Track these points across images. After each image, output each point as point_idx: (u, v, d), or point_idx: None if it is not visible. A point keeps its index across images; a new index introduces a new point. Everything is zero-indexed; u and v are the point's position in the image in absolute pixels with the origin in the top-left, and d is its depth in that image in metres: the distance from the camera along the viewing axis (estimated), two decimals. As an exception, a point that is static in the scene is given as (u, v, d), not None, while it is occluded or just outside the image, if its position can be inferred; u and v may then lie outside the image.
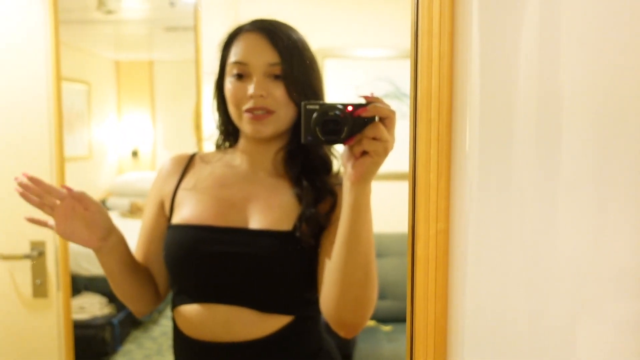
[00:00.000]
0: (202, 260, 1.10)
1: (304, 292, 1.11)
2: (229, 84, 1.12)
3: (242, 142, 1.19)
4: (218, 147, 1.25)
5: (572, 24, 0.47)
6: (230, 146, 1.23)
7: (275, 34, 1.09)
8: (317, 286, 1.08)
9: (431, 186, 0.48)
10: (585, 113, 0.46)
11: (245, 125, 1.10)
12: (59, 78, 1.93)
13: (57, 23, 1.90)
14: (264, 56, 1.09)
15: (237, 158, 1.20)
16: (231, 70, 1.11)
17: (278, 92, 1.08)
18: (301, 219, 1.08)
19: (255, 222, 1.10)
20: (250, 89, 1.07)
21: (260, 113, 1.08)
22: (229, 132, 1.21)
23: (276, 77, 1.09)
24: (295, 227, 1.07)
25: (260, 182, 1.16)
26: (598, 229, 0.47)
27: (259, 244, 1.08)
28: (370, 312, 0.99)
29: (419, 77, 0.48)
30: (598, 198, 0.46)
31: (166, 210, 1.20)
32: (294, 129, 1.13)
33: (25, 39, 1.89)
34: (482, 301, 0.45)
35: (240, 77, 1.10)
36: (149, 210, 1.23)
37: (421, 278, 0.49)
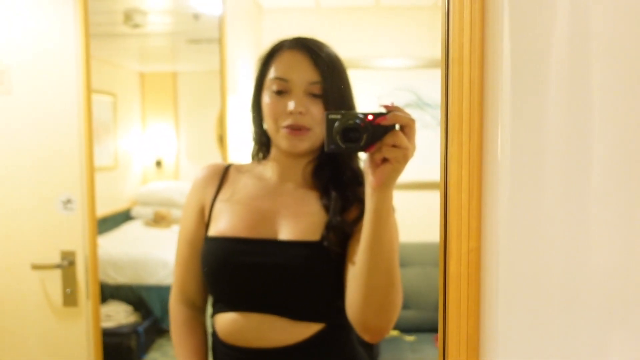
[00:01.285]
0: (235, 271, 1.14)
1: (334, 300, 1.14)
2: (268, 98, 1.15)
3: (274, 154, 1.22)
4: (253, 157, 1.29)
5: (603, 33, 0.48)
6: (264, 157, 1.26)
7: (316, 53, 1.14)
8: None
9: (462, 205, 0.49)
10: (616, 122, 0.47)
11: (281, 140, 1.14)
12: (89, 90, 1.98)
13: (88, 37, 1.96)
14: (305, 74, 1.13)
15: (268, 170, 1.23)
16: (271, 86, 1.15)
17: (316, 110, 1.12)
18: (328, 228, 1.11)
19: (285, 233, 1.14)
20: (290, 105, 1.11)
21: (298, 130, 1.11)
22: (263, 144, 1.25)
23: (314, 95, 1.13)
24: (323, 237, 1.10)
25: (290, 193, 1.19)
26: (630, 239, 0.47)
27: (288, 255, 1.12)
28: (395, 316, 1.01)
29: (449, 101, 0.49)
30: (629, 208, 0.47)
31: (205, 217, 1.24)
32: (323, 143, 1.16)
33: (57, 52, 1.95)
34: (515, 318, 0.46)
35: (279, 93, 1.13)
36: (190, 217, 1.26)
37: (454, 295, 0.50)
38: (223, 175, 1.26)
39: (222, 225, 1.18)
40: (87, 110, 1.97)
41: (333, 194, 1.15)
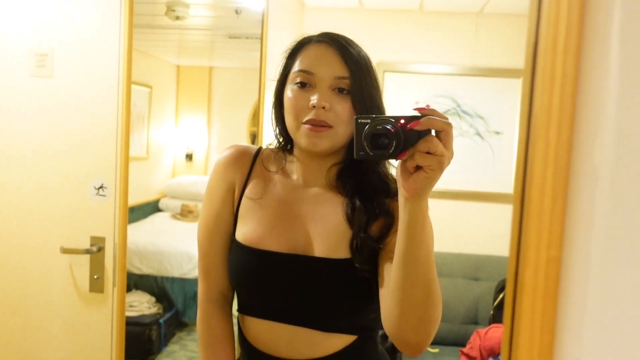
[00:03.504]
0: (264, 286, 1.11)
1: (367, 314, 1.11)
2: (290, 92, 1.09)
3: (297, 154, 1.17)
4: (276, 150, 1.23)
5: None
6: (290, 151, 1.20)
7: (345, 48, 1.08)
8: (377, 306, 1.05)
9: (544, 209, 0.44)
10: None
11: (301, 137, 1.07)
12: (129, 79, 1.97)
13: (132, 27, 1.96)
14: (332, 68, 1.06)
15: (293, 170, 1.18)
16: (295, 79, 1.09)
17: (340, 107, 1.05)
18: (355, 245, 1.06)
19: (316, 248, 1.10)
20: (313, 99, 1.05)
21: (319, 126, 1.05)
22: (286, 141, 1.19)
23: (340, 91, 1.06)
24: (353, 256, 1.06)
25: (316, 198, 1.14)
26: None
27: (319, 273, 1.08)
28: (434, 330, 0.96)
29: (536, 94, 0.45)
30: None
31: (234, 206, 1.19)
32: (350, 145, 1.10)
33: (101, 39, 1.95)
34: (603, 341, 0.41)
35: (303, 85, 1.07)
36: (215, 200, 1.19)
37: (527, 309, 0.45)
38: (252, 162, 1.20)
39: (250, 230, 1.14)
40: (126, 99, 1.97)
41: (357, 203, 1.09)
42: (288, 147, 1.20)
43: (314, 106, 1.04)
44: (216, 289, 1.22)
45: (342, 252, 1.07)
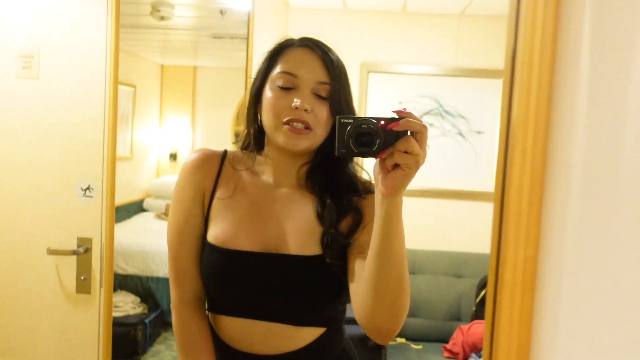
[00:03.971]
0: (237, 285, 1.13)
1: (335, 306, 1.17)
2: (271, 92, 1.11)
3: (268, 152, 1.19)
4: (244, 149, 1.23)
5: None
6: (256, 151, 1.21)
7: (327, 55, 1.12)
8: (345, 297, 1.12)
9: (522, 209, 0.48)
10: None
11: (281, 136, 1.10)
12: (116, 80, 1.98)
13: (119, 27, 1.96)
14: (315, 73, 1.10)
15: (263, 169, 1.20)
16: (276, 80, 1.11)
17: (320, 111, 1.10)
18: (326, 243, 1.10)
19: (287, 246, 1.13)
20: (296, 101, 1.08)
21: (299, 126, 1.08)
22: (256, 138, 1.20)
23: (320, 97, 1.10)
24: (324, 252, 1.10)
25: (287, 198, 1.17)
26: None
27: (292, 270, 1.11)
28: (404, 317, 1.01)
29: (514, 100, 0.48)
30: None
31: (204, 208, 1.19)
32: (321, 145, 1.14)
33: (87, 40, 1.95)
34: (576, 334, 0.44)
35: (285, 88, 1.10)
36: (185, 204, 1.19)
37: (506, 304, 0.48)
38: (220, 165, 1.21)
39: (221, 231, 1.15)
40: (113, 99, 1.97)
41: (328, 201, 1.13)
42: (255, 146, 1.21)
43: (296, 108, 1.07)
44: (190, 293, 1.21)
45: (313, 248, 1.11)
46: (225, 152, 1.25)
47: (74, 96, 1.97)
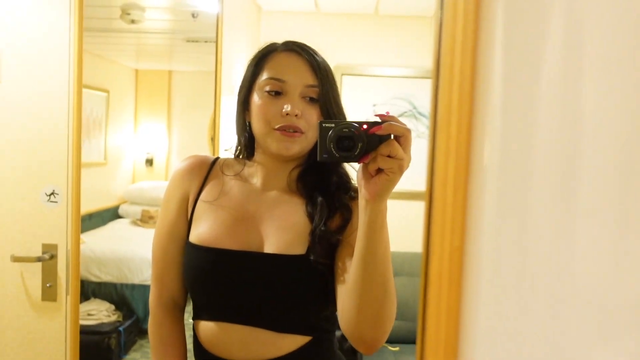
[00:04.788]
0: (218, 284, 1.11)
1: (319, 312, 1.12)
2: (260, 99, 1.11)
3: (259, 157, 1.18)
4: (235, 157, 1.24)
5: (597, 47, 0.46)
6: (247, 158, 1.22)
7: (313, 57, 1.11)
8: (333, 304, 1.07)
9: (447, 202, 0.47)
10: (608, 135, 0.45)
11: (273, 142, 1.09)
12: (80, 83, 1.95)
13: (81, 29, 1.93)
14: (302, 77, 1.10)
15: (253, 173, 1.20)
16: (264, 86, 1.11)
17: (310, 115, 1.09)
18: (313, 239, 1.08)
19: (270, 245, 1.11)
20: (287, 107, 1.07)
21: (292, 132, 1.08)
22: (246, 146, 1.21)
23: (310, 99, 1.10)
24: (309, 250, 1.08)
25: (275, 200, 1.16)
26: (619, 254, 0.46)
27: (273, 269, 1.09)
28: (390, 327, 0.99)
29: (439, 93, 0.48)
30: (620, 222, 0.45)
31: (188, 213, 1.20)
32: (312, 149, 1.14)
33: (50, 42, 1.92)
34: (495, 322, 0.44)
35: (273, 93, 1.10)
36: (172, 209, 1.21)
37: (434, 295, 0.48)
38: (209, 170, 1.22)
39: (204, 231, 1.14)
40: (77, 103, 1.94)
41: (318, 200, 1.11)
42: (245, 154, 1.21)
43: (287, 114, 1.07)
44: (167, 294, 1.23)
45: (297, 248, 1.09)
46: (217, 159, 1.25)
47: (37, 100, 1.94)
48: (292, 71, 1.10)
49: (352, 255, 1.00)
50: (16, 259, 1.94)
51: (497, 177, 0.43)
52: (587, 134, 0.46)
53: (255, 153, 1.19)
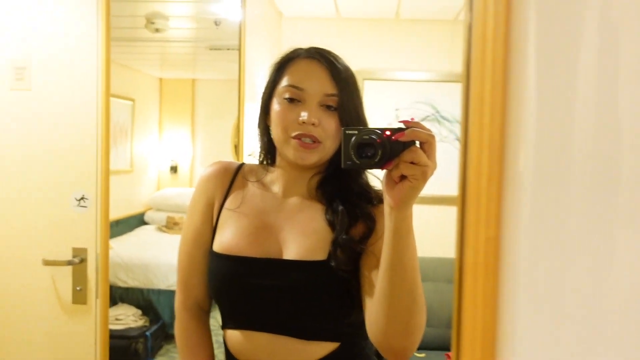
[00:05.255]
0: (241, 293, 1.11)
1: (344, 318, 1.10)
2: (279, 106, 1.11)
3: (280, 163, 1.19)
4: (260, 163, 1.25)
5: (634, 48, 0.46)
6: (271, 163, 1.23)
7: (333, 65, 1.10)
8: (360, 311, 1.06)
9: (481, 212, 0.47)
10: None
11: (290, 150, 1.09)
12: (107, 92, 1.99)
13: (109, 39, 1.98)
14: (321, 85, 1.09)
15: (274, 180, 1.20)
16: (283, 93, 1.10)
17: (328, 123, 1.08)
18: (335, 247, 1.07)
19: (290, 252, 1.10)
20: (303, 115, 1.07)
21: (308, 141, 1.07)
22: (268, 151, 1.21)
23: (328, 107, 1.09)
24: (329, 256, 1.07)
25: (295, 207, 1.16)
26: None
27: (294, 276, 1.08)
28: (420, 336, 0.97)
29: (471, 97, 0.48)
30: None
31: (213, 219, 1.21)
32: (333, 156, 1.13)
33: (79, 52, 1.97)
34: (535, 315, 0.44)
35: (292, 101, 1.09)
36: (197, 215, 1.22)
37: (469, 285, 0.48)
38: (233, 176, 1.23)
39: (226, 239, 1.15)
40: (105, 111, 1.98)
41: (340, 208, 1.10)
42: (269, 159, 1.22)
43: (304, 122, 1.06)
44: (192, 299, 1.23)
45: (318, 254, 1.08)
46: (242, 165, 1.26)
47: (67, 107, 1.99)
48: (312, 79, 1.09)
49: (377, 265, 0.99)
50: (47, 263, 1.97)
51: (533, 183, 0.43)
52: (625, 138, 0.45)
53: (277, 158, 1.19)
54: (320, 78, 1.09)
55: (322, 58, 1.10)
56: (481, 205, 0.47)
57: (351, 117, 1.09)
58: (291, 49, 1.17)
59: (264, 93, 1.18)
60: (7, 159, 2.00)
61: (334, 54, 1.14)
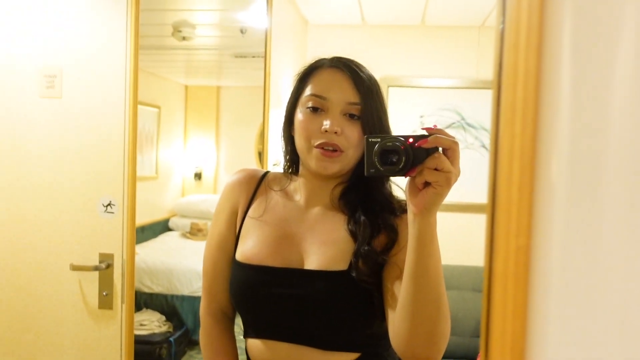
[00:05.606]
0: (261, 302, 1.12)
1: (365, 329, 1.09)
2: (302, 115, 1.12)
3: (303, 172, 1.19)
4: (285, 172, 1.26)
5: None
6: (295, 172, 1.23)
7: (357, 74, 1.10)
8: (381, 321, 1.06)
9: (511, 226, 0.47)
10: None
11: (312, 160, 1.09)
12: (135, 99, 2.02)
13: (137, 48, 2.01)
14: (344, 94, 1.09)
15: (297, 189, 1.20)
16: (306, 102, 1.11)
17: (351, 132, 1.08)
18: (356, 257, 1.06)
19: (312, 262, 1.10)
20: (326, 124, 1.07)
21: (330, 150, 1.07)
22: (293, 161, 1.22)
23: (351, 116, 1.09)
24: (350, 266, 1.06)
25: (317, 217, 1.16)
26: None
27: (314, 286, 1.08)
28: (444, 345, 0.96)
29: (502, 105, 0.47)
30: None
31: (236, 226, 1.21)
32: (356, 165, 1.13)
33: (108, 60, 2.00)
34: (567, 327, 0.43)
35: (315, 110, 1.10)
36: (222, 221, 1.23)
37: (499, 295, 0.47)
38: (257, 184, 1.24)
39: (248, 248, 1.16)
40: (133, 118, 2.01)
41: (362, 219, 1.10)
42: (293, 168, 1.23)
43: (326, 131, 1.07)
44: (215, 304, 1.25)
45: (339, 264, 1.08)
46: (266, 173, 1.27)
47: (95, 114, 2.02)
48: (334, 88, 1.10)
49: (399, 276, 0.99)
50: (75, 268, 2.01)
51: (566, 193, 0.42)
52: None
53: (300, 167, 1.20)
54: (343, 87, 1.09)
55: (345, 67, 1.11)
56: (512, 213, 0.47)
57: (374, 126, 1.09)
58: (315, 59, 1.18)
59: (288, 103, 1.19)
60: (37, 165, 2.04)
61: (358, 63, 1.14)
